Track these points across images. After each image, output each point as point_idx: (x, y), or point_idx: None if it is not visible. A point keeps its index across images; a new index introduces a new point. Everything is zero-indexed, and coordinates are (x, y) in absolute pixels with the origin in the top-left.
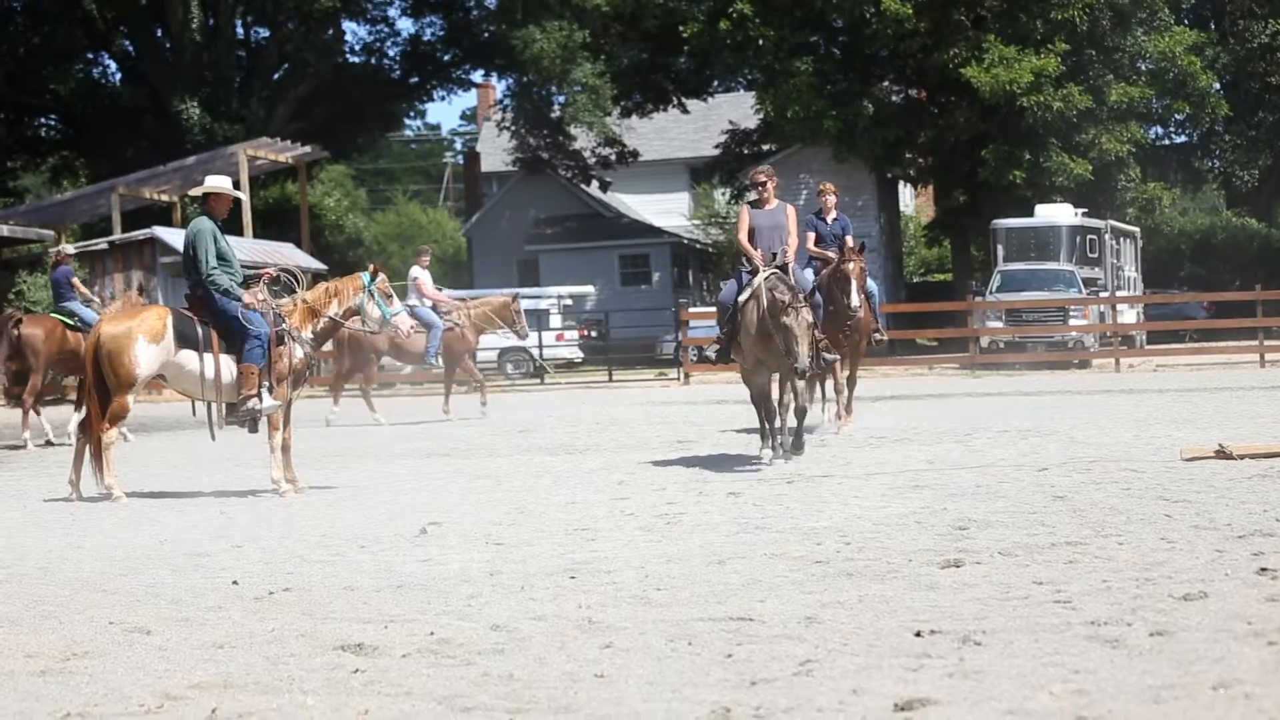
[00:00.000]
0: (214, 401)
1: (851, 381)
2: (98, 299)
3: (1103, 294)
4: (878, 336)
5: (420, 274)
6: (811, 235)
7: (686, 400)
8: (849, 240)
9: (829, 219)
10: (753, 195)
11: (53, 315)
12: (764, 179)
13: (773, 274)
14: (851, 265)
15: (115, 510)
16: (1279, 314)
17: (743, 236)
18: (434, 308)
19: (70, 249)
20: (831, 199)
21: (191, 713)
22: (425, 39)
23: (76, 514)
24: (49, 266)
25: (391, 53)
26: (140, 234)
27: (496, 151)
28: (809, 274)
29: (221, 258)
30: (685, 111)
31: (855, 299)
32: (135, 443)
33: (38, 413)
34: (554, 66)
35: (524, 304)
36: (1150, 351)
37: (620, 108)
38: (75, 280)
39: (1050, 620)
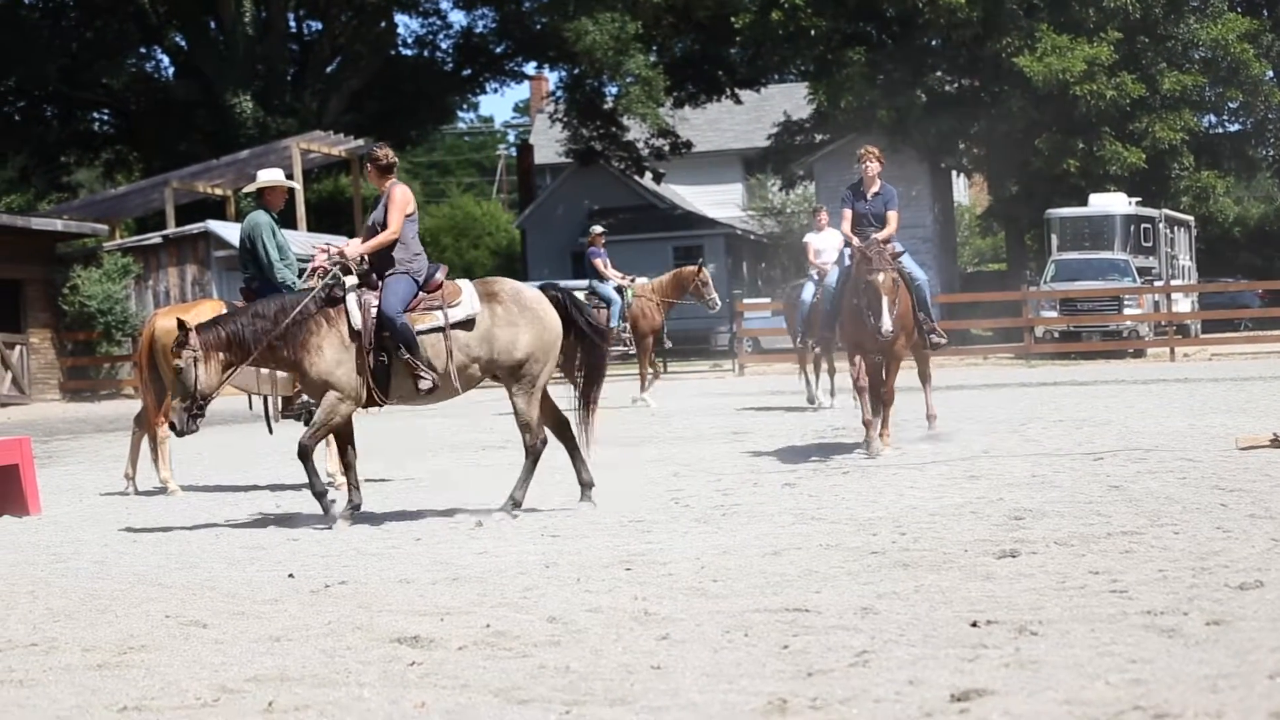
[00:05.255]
0: (269, 395)
1: (888, 397)
2: (619, 276)
3: (1157, 283)
4: (935, 339)
5: (812, 238)
6: (846, 214)
7: (741, 392)
8: (891, 218)
9: (869, 193)
10: None
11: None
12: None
13: None
14: (881, 278)
15: (170, 504)
16: None
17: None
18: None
19: (598, 228)
20: (873, 165)
21: (248, 706)
22: (477, 31)
23: (132, 508)
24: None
25: (444, 45)
26: (194, 228)
27: (550, 143)
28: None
29: (279, 251)
30: (738, 102)
31: (887, 322)
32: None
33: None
34: (606, 58)
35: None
36: (1205, 340)
37: (673, 99)
38: (598, 261)
39: (1106, 610)
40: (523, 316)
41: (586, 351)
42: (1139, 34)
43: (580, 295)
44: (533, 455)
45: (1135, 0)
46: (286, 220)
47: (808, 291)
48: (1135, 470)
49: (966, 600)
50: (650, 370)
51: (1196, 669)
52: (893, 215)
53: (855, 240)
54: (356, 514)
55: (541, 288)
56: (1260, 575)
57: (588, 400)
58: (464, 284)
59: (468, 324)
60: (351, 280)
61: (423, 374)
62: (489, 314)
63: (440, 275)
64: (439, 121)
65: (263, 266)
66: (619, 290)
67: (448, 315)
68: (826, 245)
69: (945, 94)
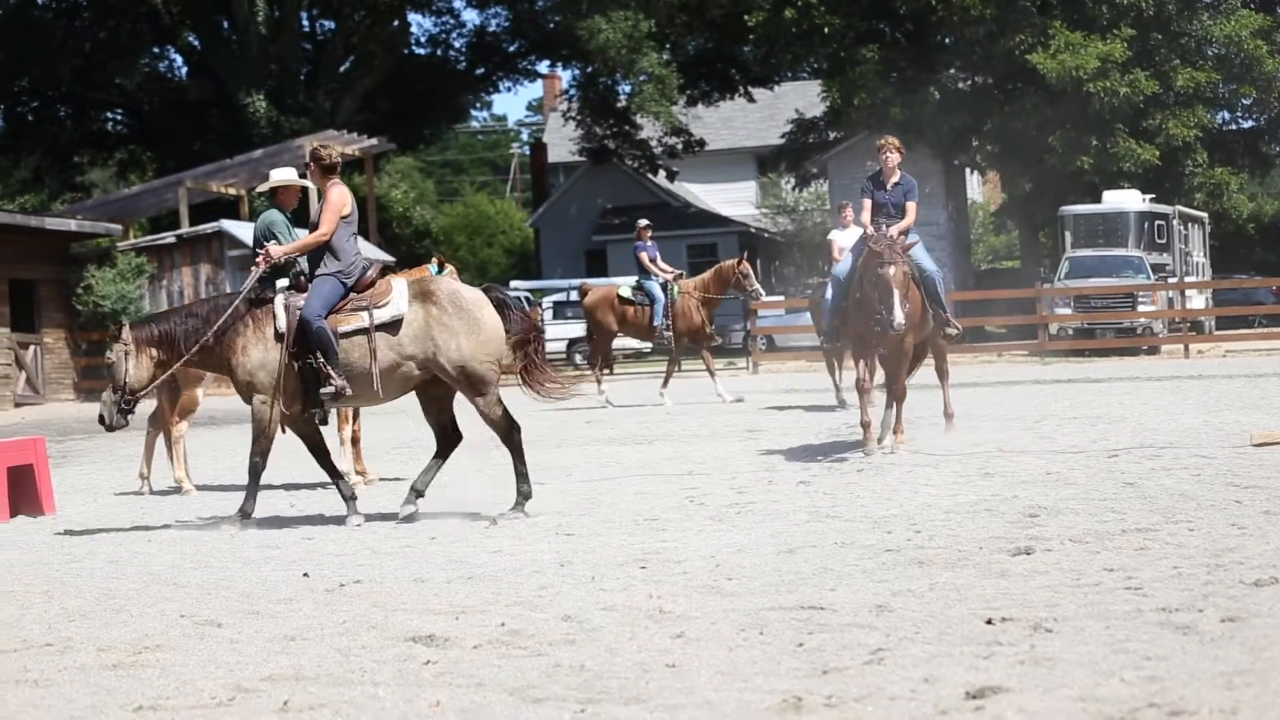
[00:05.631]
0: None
1: (899, 393)
2: (668, 271)
3: (1171, 280)
4: (949, 330)
5: (837, 235)
6: (866, 204)
7: (755, 389)
8: (910, 208)
9: (889, 183)
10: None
11: (619, 289)
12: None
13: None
14: (893, 271)
15: (185, 503)
16: None
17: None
18: None
19: (643, 222)
20: (894, 156)
21: (263, 705)
22: (491, 30)
23: (147, 507)
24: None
25: (457, 44)
26: (208, 227)
27: (563, 142)
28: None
29: None
30: (751, 100)
31: (899, 315)
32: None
33: (598, 379)
34: (620, 56)
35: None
36: (1219, 337)
37: (686, 97)
38: (643, 255)
39: (1121, 607)
40: (459, 317)
41: (524, 353)
42: (1152, 31)
43: (627, 292)
44: (514, 448)
45: None
46: (301, 219)
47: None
48: (1150, 467)
49: (981, 598)
50: (709, 368)
51: (1212, 666)
52: (911, 206)
53: (872, 229)
54: (356, 505)
55: (484, 289)
56: (1275, 572)
57: (539, 390)
58: (397, 283)
59: (396, 324)
60: (283, 282)
61: (332, 380)
62: (423, 313)
63: (373, 273)
64: (452, 120)
65: (277, 266)
66: (664, 287)
67: (373, 316)
68: (848, 242)
69: (959, 91)
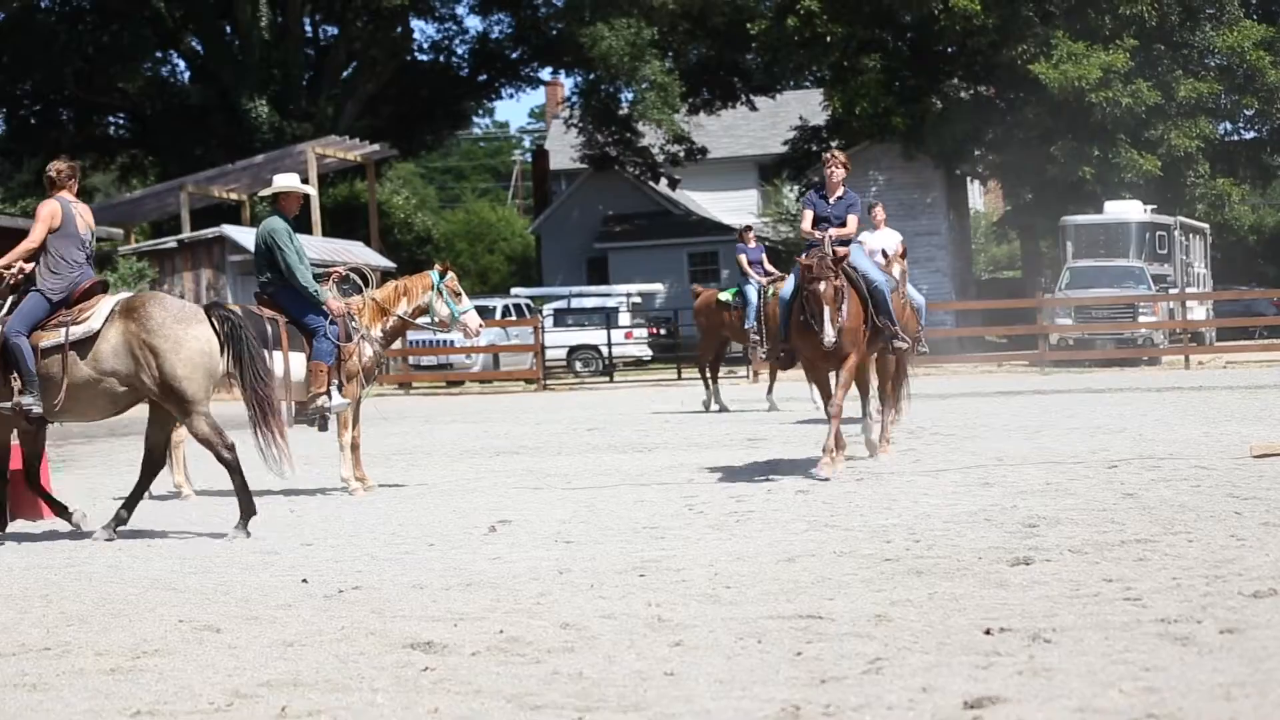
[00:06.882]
0: (283, 400)
1: (873, 397)
2: (769, 275)
3: (1172, 291)
4: (897, 344)
5: (866, 237)
6: (809, 214)
7: (755, 398)
8: (851, 220)
9: (833, 197)
10: None
11: (720, 293)
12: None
13: None
14: (823, 286)
15: (185, 508)
16: None
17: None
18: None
19: (745, 224)
20: (838, 171)
21: (261, 711)
22: (493, 37)
23: (146, 512)
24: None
25: (460, 50)
26: (209, 232)
27: (565, 149)
28: (789, 286)
29: (297, 255)
30: (753, 108)
31: (829, 331)
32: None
33: (709, 381)
34: (622, 64)
35: (592, 302)
36: (1220, 348)
37: (688, 105)
38: (741, 258)
39: (1120, 618)
40: (159, 335)
41: (242, 376)
42: (1155, 41)
43: (727, 296)
44: (230, 468)
45: (1151, 8)
46: (302, 225)
47: None
48: (1149, 478)
49: (980, 607)
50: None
51: (1210, 677)
52: (852, 219)
53: (817, 234)
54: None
55: (206, 307)
56: (1274, 583)
57: (259, 425)
58: (105, 300)
59: (89, 341)
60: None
61: (16, 396)
62: (121, 330)
63: (85, 286)
64: (454, 127)
65: (280, 271)
66: (760, 291)
67: (69, 332)
68: (879, 244)
69: (961, 101)
